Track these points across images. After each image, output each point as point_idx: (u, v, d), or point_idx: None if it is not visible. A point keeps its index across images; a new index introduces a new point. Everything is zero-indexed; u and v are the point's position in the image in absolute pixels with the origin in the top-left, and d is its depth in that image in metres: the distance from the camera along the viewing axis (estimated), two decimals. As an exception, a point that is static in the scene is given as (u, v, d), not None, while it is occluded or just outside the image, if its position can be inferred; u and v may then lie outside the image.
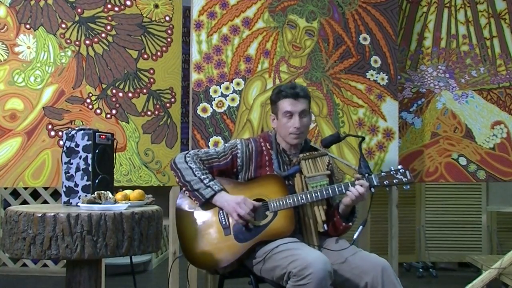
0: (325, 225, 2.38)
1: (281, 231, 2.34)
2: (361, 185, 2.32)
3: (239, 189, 2.41)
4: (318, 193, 2.36)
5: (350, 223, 2.43)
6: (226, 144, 2.51)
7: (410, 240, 4.88)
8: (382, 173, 2.37)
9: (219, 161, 2.46)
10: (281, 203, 2.36)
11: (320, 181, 2.41)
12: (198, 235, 2.38)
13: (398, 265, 3.22)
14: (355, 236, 2.37)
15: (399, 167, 2.40)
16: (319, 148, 2.55)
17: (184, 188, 2.41)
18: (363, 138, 2.55)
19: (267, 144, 2.50)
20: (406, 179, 2.36)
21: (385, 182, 2.36)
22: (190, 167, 2.40)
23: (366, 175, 2.36)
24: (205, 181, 2.38)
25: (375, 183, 2.35)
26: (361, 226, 2.39)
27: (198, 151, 2.47)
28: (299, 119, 2.42)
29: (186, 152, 2.47)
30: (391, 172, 2.37)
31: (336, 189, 2.36)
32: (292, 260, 2.15)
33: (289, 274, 2.14)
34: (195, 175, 2.38)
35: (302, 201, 2.36)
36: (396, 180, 2.35)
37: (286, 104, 2.43)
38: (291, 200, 2.35)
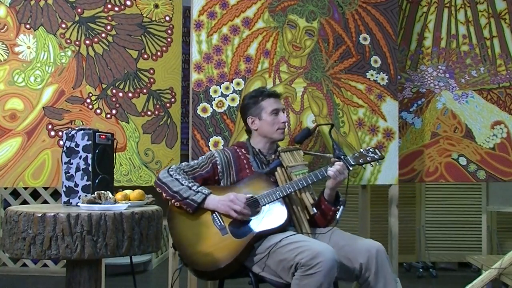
0: (314, 208, 2.48)
1: (277, 219, 2.40)
2: (339, 164, 2.49)
3: (226, 192, 2.46)
4: (303, 181, 2.48)
5: (338, 207, 2.53)
6: (203, 156, 2.62)
7: (410, 240, 4.88)
8: (356, 154, 2.59)
9: (201, 170, 2.55)
10: (270, 196, 2.44)
11: (301, 169, 2.55)
12: (196, 240, 2.39)
13: (398, 265, 3.22)
14: (337, 216, 2.49)
15: (368, 147, 2.66)
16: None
17: (173, 200, 2.44)
18: (332, 125, 2.89)
19: (242, 150, 2.64)
20: (377, 156, 2.60)
21: (360, 161, 2.57)
22: (176, 179, 2.46)
23: (342, 157, 2.53)
24: (193, 188, 2.43)
25: (352, 162, 2.54)
26: (341, 207, 2.51)
27: (179, 165, 2.56)
28: (284, 115, 2.61)
29: (168, 167, 2.54)
30: (363, 152, 2.59)
31: (319, 174, 2.50)
32: (300, 251, 2.19)
33: (297, 265, 2.17)
34: (183, 184, 2.43)
35: (290, 190, 2.46)
36: (369, 158, 2.58)
37: (271, 102, 2.62)
38: (279, 191, 2.44)
